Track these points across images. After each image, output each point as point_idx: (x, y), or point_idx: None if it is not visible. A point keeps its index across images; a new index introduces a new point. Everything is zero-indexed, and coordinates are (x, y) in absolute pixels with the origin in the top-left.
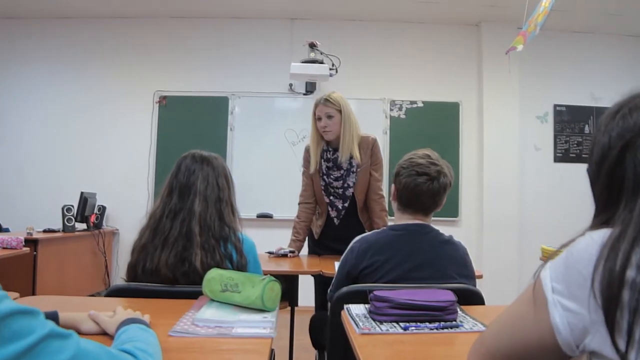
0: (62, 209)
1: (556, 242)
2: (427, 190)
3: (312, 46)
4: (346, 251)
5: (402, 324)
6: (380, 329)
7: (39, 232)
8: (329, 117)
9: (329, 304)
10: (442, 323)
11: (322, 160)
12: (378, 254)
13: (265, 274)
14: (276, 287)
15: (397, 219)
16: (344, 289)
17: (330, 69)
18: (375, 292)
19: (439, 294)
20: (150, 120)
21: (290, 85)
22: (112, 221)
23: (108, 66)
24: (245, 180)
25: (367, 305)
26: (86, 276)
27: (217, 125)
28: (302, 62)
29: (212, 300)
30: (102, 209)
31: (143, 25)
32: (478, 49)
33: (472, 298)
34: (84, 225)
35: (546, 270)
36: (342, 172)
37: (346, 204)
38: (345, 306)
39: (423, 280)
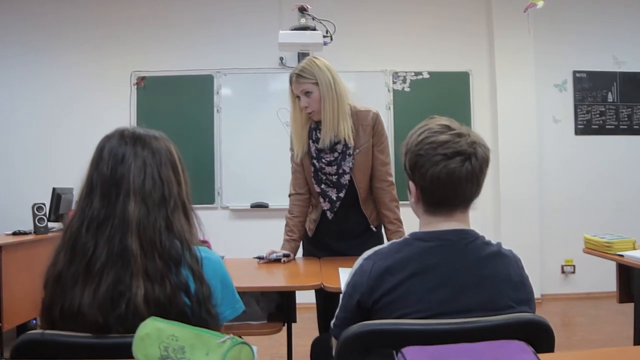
0: (32, 207)
1: (581, 225)
2: (468, 173)
3: (302, 10)
4: (354, 270)
5: None
6: None
7: (7, 234)
8: (307, 93)
9: (333, 340)
10: None
11: (311, 141)
12: (401, 276)
13: (253, 291)
14: (245, 354)
15: (425, 224)
16: (355, 328)
17: (325, 37)
18: (406, 353)
19: (507, 351)
20: (128, 104)
21: (281, 59)
22: None
23: (78, 46)
24: (237, 167)
25: None
26: None
27: (202, 107)
28: (292, 30)
29: None
30: None
31: None
32: (488, 10)
33: (537, 335)
34: (60, 225)
35: None
36: (336, 154)
37: (341, 194)
38: None
39: (468, 313)
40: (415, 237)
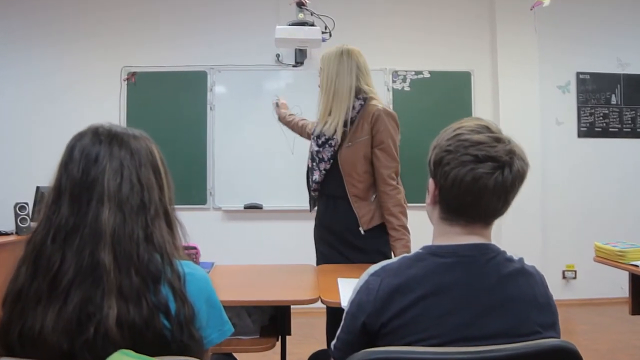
0: (15, 207)
1: (583, 230)
2: (496, 185)
3: (300, 5)
4: (358, 287)
5: None
6: None
7: None
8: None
9: None
10: None
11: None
12: (413, 296)
13: (244, 305)
14: None
15: (440, 235)
16: (360, 355)
17: (323, 32)
18: None
19: None
20: (118, 101)
21: (278, 56)
22: None
23: (66, 38)
24: (230, 167)
25: None
26: None
27: (195, 104)
28: (289, 25)
29: None
30: None
31: None
32: (491, 9)
33: None
34: None
35: None
36: (320, 141)
37: (319, 178)
38: None
39: (489, 340)
40: (429, 251)
